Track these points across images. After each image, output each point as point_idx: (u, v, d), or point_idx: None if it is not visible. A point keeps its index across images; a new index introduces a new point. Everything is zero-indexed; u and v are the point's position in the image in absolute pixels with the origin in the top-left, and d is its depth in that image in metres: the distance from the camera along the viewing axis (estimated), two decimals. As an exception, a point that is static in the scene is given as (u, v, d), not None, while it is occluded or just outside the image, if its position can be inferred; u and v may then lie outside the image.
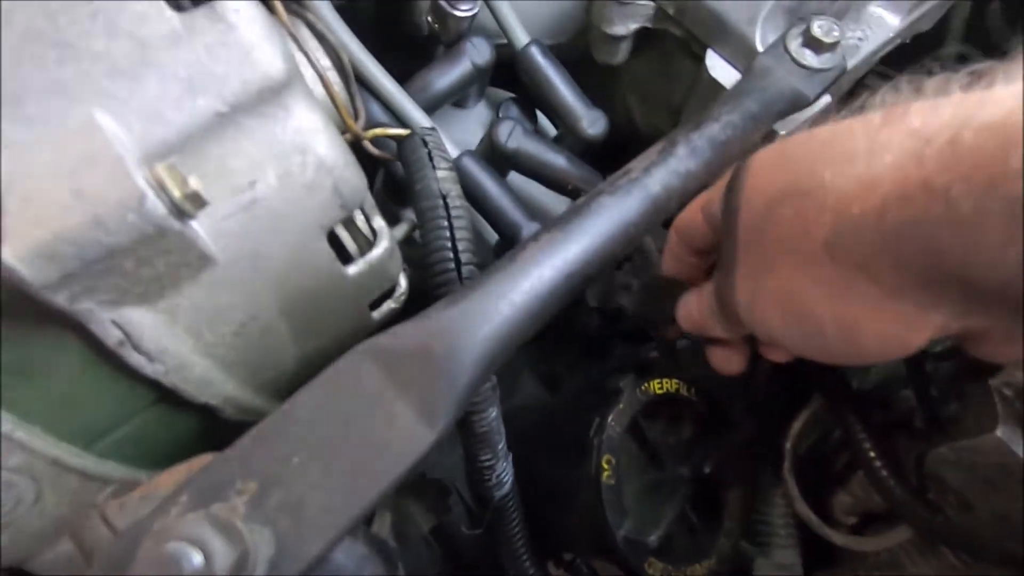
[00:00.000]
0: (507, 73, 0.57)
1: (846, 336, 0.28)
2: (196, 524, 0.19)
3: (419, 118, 0.45)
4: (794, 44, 0.42)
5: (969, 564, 0.42)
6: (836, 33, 0.41)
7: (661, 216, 0.31)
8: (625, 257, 0.70)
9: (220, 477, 0.21)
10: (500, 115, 0.54)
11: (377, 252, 0.30)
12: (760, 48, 0.44)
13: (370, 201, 0.30)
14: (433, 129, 0.43)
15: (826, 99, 0.45)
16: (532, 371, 0.68)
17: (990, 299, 0.24)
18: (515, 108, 0.57)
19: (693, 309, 0.39)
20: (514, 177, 0.55)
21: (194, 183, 0.21)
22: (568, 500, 0.43)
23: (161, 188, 0.20)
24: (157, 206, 0.20)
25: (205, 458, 0.22)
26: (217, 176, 0.23)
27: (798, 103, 0.40)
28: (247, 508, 0.20)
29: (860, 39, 0.45)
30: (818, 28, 0.41)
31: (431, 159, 0.39)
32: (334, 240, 0.28)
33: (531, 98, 0.56)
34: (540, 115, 0.62)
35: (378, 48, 0.46)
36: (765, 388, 0.60)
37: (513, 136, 0.50)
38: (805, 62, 0.41)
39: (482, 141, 0.53)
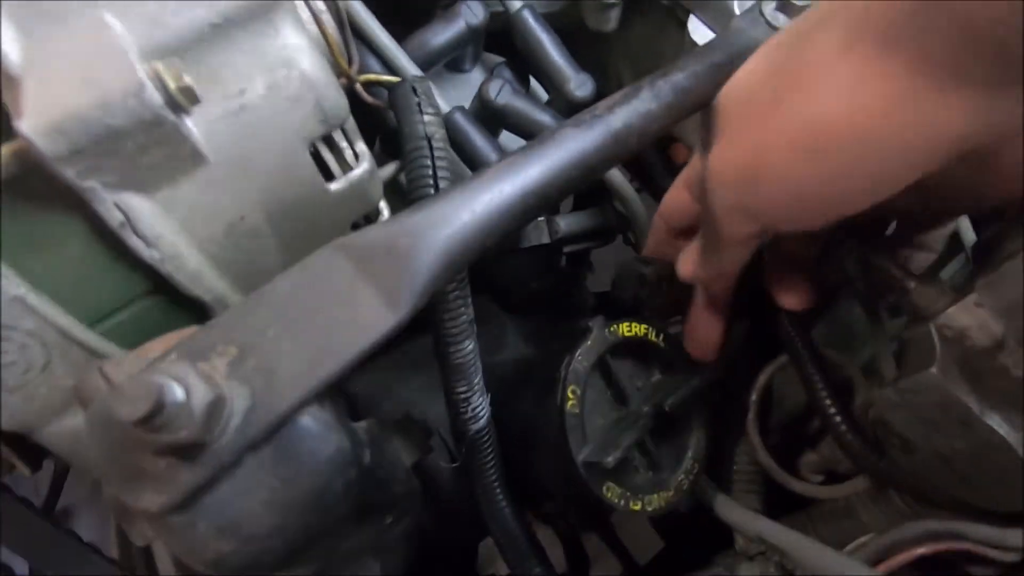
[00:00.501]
0: (505, 42, 0.59)
1: (869, 132, 0.26)
2: (180, 367, 0.22)
3: (411, 69, 0.48)
4: (768, 8, 0.44)
5: (915, 508, 0.45)
6: (808, -3, 0.43)
7: (621, 150, 0.33)
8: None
9: (204, 341, 0.24)
10: (493, 75, 0.57)
11: (357, 173, 0.33)
12: (738, 13, 0.46)
13: (352, 126, 0.33)
14: (424, 79, 0.46)
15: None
16: (517, 331, 0.71)
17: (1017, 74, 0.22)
18: (508, 71, 0.59)
19: (687, 258, 0.42)
20: (505, 139, 0.58)
21: (188, 80, 0.24)
22: (537, 434, 0.46)
23: (158, 80, 0.23)
24: (155, 95, 0.23)
25: (193, 328, 0.25)
26: (210, 81, 0.26)
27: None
28: (227, 368, 0.23)
29: (834, 6, 0.47)
30: (791, -8, 0.43)
31: (419, 105, 0.42)
32: (318, 158, 0.31)
33: (523, 62, 0.59)
34: (534, 83, 0.64)
35: (380, 13, 0.49)
36: (739, 343, 0.62)
37: (502, 93, 0.52)
38: (778, 24, 0.43)
39: (474, 100, 0.55)
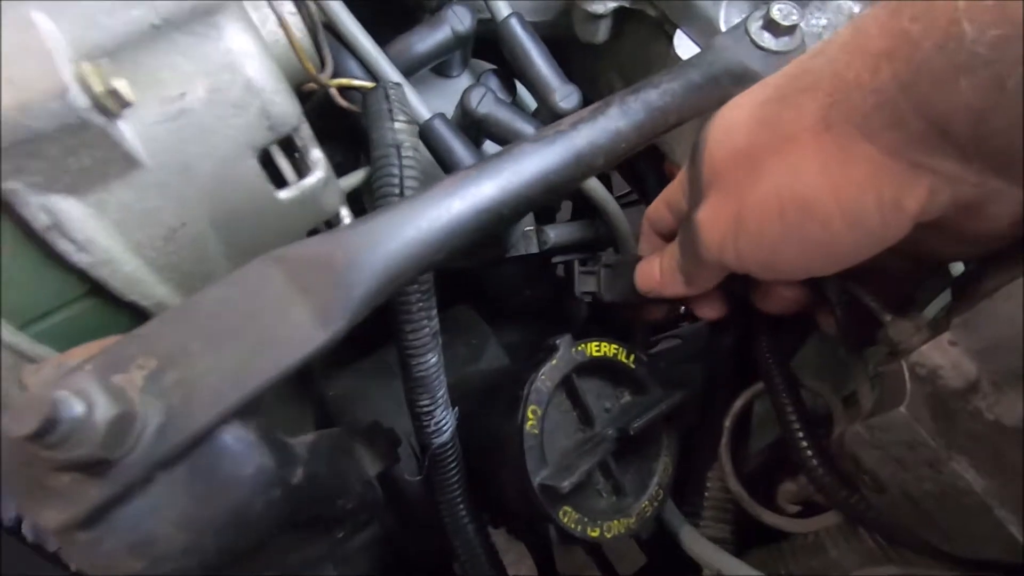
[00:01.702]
0: (498, 50, 0.58)
1: (845, 206, 0.28)
2: (85, 380, 0.21)
3: (390, 73, 0.47)
4: (754, 26, 0.43)
5: (885, 548, 0.43)
6: (795, 17, 0.42)
7: (584, 170, 0.32)
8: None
9: (124, 352, 0.23)
10: (477, 83, 0.56)
11: (310, 180, 0.32)
12: (724, 29, 0.45)
13: (307, 132, 0.32)
14: (399, 85, 0.45)
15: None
16: (499, 340, 0.70)
17: (974, 153, 0.25)
18: (495, 79, 0.58)
19: (654, 270, 0.42)
20: (488, 148, 0.57)
21: (119, 84, 0.23)
22: (500, 452, 0.45)
23: (84, 83, 0.23)
24: (80, 98, 0.23)
25: (115, 337, 0.24)
26: (148, 84, 0.25)
27: (746, 81, 0.41)
28: (144, 381, 0.22)
29: (824, 26, 0.46)
30: (777, 11, 0.42)
31: (390, 111, 0.41)
32: (270, 165, 0.30)
33: (510, 71, 0.58)
34: (523, 92, 0.63)
35: (366, 17, 0.49)
36: (715, 367, 0.61)
37: (484, 102, 0.51)
38: (763, 44, 0.42)
39: (457, 108, 0.55)
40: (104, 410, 0.20)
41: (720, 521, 0.51)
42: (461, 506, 0.49)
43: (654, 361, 0.55)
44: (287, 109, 0.30)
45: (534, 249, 0.74)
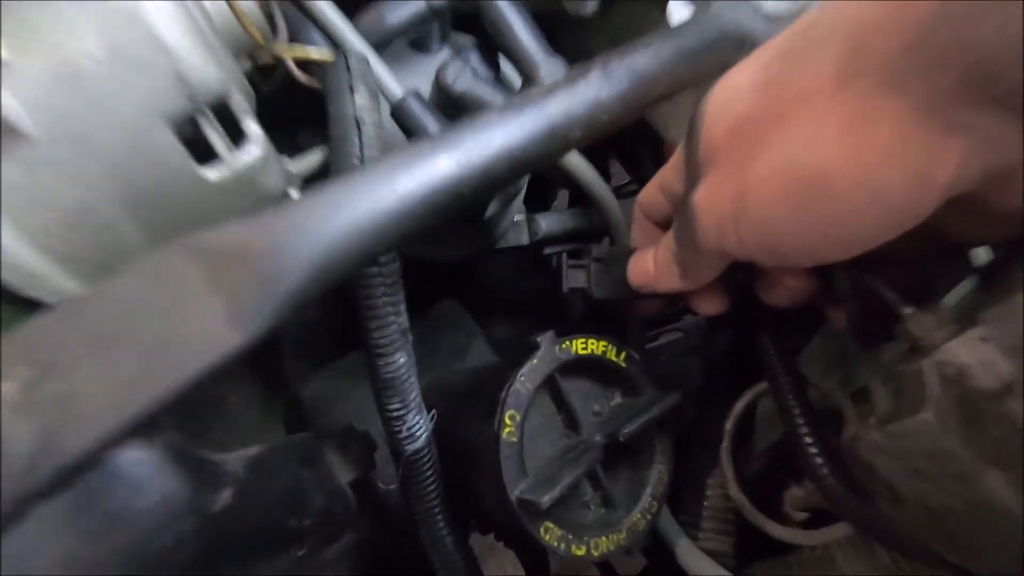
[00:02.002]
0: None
1: (865, 178, 0.24)
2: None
3: (356, 44, 0.43)
4: (756, -12, 0.38)
5: (901, 564, 0.39)
6: (801, -25, 0.38)
7: (558, 145, 0.28)
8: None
9: (-8, 361, 0.19)
10: (456, 58, 0.52)
11: (244, 158, 0.28)
12: (722, -7, 0.41)
13: (241, 103, 0.28)
14: (364, 57, 0.41)
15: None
16: (492, 335, 0.66)
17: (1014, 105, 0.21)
18: (476, 54, 0.54)
19: (647, 263, 0.38)
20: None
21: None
22: (477, 461, 0.41)
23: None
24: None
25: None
26: (30, 39, 0.21)
27: (747, 48, 0.37)
28: (17, 395, 0.19)
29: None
30: (782, -31, 0.38)
31: (351, 84, 0.37)
32: (196, 141, 0.26)
33: (495, 44, 0.54)
34: (509, 69, 0.59)
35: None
36: (714, 363, 0.57)
37: (461, 78, 0.47)
38: (763, 9, 0.38)
39: (433, 85, 0.50)
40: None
41: (720, 532, 0.47)
42: (438, 516, 0.45)
43: (654, 355, 0.50)
44: (211, 74, 0.25)
45: (524, 240, 0.70)
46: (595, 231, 0.69)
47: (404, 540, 0.54)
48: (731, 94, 0.30)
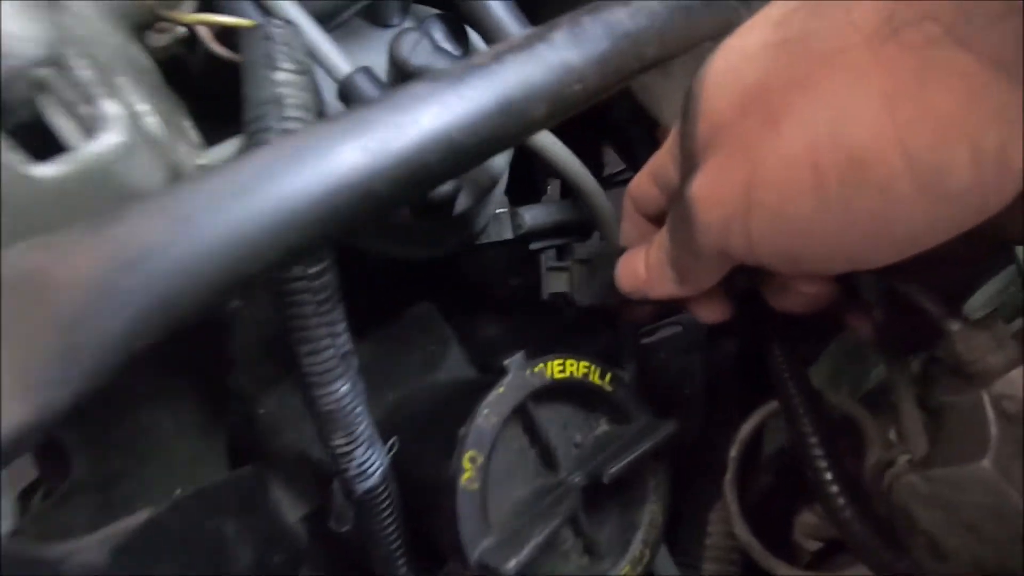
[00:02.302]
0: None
1: (921, 158, 0.19)
2: None
3: (289, 12, 0.36)
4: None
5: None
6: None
7: (517, 125, 0.22)
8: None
9: None
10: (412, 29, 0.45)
11: (94, 148, 0.21)
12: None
13: (91, 78, 0.21)
14: (289, 24, 0.34)
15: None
16: (461, 349, 0.60)
17: None
18: (440, 26, 0.47)
19: (638, 265, 0.32)
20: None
21: None
22: (436, 506, 0.34)
23: None
24: None
25: None
26: None
27: (753, 3, 0.30)
28: None
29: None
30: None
31: (271, 57, 0.30)
32: (33, 129, 0.20)
33: (462, 17, 0.47)
34: (479, 43, 0.52)
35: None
36: (717, 373, 0.51)
37: (418, 51, 0.40)
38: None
39: (388, 61, 0.44)
40: None
41: (722, 573, 0.41)
42: (400, 562, 0.39)
43: (651, 352, 0.44)
44: (24, 35, 0.19)
45: (508, 235, 0.64)
46: (586, 225, 0.62)
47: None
48: (737, 59, 0.24)
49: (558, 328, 0.66)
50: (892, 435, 0.34)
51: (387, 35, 0.50)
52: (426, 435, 0.40)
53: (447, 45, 0.46)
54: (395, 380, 0.54)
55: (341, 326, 0.32)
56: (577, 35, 0.23)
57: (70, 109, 0.21)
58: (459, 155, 0.20)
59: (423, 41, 0.41)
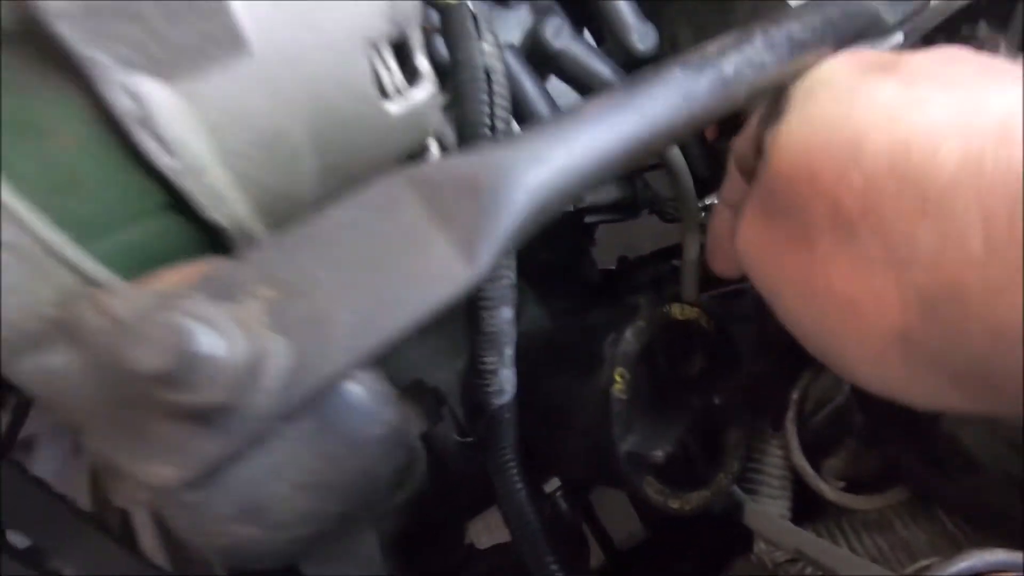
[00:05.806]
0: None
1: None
2: (210, 308, 0.17)
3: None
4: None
5: (966, 531, 0.42)
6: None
7: (727, 103, 0.28)
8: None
9: (236, 278, 0.19)
10: (547, 15, 0.51)
11: (420, 94, 0.27)
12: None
13: (419, 36, 0.27)
14: (485, 6, 0.40)
15: (898, 37, 0.42)
16: (537, 302, 0.66)
17: None
18: (561, 12, 0.53)
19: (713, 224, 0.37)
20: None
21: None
22: (568, 416, 0.42)
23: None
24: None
25: (215, 261, 0.20)
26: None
27: (875, 27, 0.37)
28: (265, 314, 0.18)
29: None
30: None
31: (479, 31, 0.36)
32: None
33: (579, 6, 0.53)
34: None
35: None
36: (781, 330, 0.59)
37: (561, 35, 0.47)
38: (885, -11, 0.38)
39: (525, 39, 0.50)
40: (241, 347, 0.16)
41: (777, 498, 0.49)
42: (515, 471, 0.46)
43: (731, 313, 0.51)
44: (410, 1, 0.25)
45: (568, 207, 0.70)
46: (636, 204, 0.69)
47: (452, 498, 0.55)
48: (808, 129, 0.26)
49: (610, 303, 0.72)
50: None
51: (506, 14, 0.56)
52: (542, 365, 0.47)
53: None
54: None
55: (513, 259, 0.39)
56: (769, 42, 0.30)
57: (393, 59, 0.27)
58: (695, 122, 0.27)
59: (565, 27, 0.47)
